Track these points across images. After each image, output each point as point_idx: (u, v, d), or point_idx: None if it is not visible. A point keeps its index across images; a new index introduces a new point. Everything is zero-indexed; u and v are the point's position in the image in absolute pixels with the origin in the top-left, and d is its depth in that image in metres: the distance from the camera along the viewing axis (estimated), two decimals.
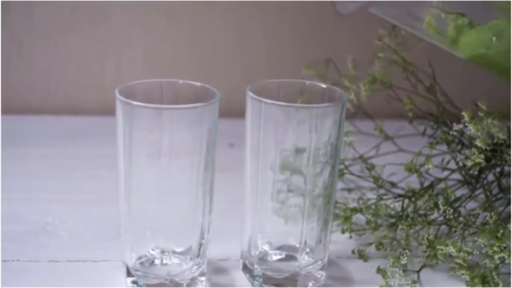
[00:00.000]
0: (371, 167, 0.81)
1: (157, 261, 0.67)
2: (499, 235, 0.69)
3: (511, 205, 0.76)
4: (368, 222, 0.76)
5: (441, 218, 0.74)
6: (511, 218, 0.72)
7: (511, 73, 0.67)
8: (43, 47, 1.05)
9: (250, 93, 0.67)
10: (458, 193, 0.78)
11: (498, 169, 0.78)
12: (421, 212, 0.76)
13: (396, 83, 0.82)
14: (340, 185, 0.84)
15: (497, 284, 0.68)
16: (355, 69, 0.83)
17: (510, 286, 0.69)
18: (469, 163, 0.74)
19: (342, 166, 0.81)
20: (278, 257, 0.70)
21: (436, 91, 0.81)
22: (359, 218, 0.77)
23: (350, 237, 0.77)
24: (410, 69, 0.82)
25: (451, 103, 0.82)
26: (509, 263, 0.69)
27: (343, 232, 0.77)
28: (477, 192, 0.78)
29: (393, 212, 0.77)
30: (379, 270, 0.70)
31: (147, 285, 0.66)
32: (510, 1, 0.63)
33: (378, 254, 0.74)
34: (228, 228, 0.74)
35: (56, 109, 1.06)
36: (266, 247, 0.70)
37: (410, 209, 0.77)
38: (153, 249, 0.67)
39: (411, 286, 0.69)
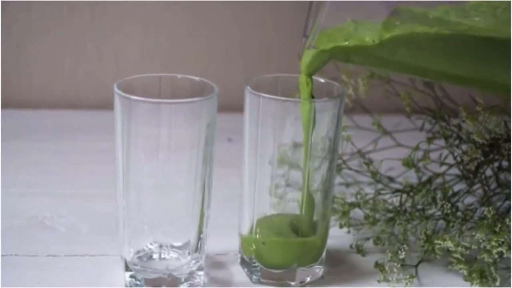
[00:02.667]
0: (369, 162, 0.81)
1: (155, 256, 0.67)
2: (497, 229, 0.69)
3: (511, 200, 0.76)
4: (366, 217, 0.76)
5: (439, 213, 0.74)
6: (509, 213, 0.72)
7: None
8: (41, 41, 1.05)
9: (248, 88, 0.67)
10: (456, 188, 0.78)
11: (496, 164, 0.78)
12: (419, 207, 0.76)
13: (394, 78, 0.82)
14: (338, 179, 0.84)
15: (495, 279, 0.68)
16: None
17: (508, 280, 0.69)
18: (467, 158, 0.74)
19: (340, 161, 0.81)
20: None
21: (434, 86, 0.81)
22: (357, 212, 0.78)
23: (348, 231, 0.77)
24: None
25: (449, 98, 0.82)
26: (507, 258, 0.69)
27: (341, 226, 0.77)
28: (475, 187, 0.78)
29: (391, 207, 0.77)
30: (377, 265, 0.70)
31: (145, 279, 0.66)
32: (509, 1, 0.63)
33: (376, 249, 0.74)
34: (226, 223, 0.74)
35: (54, 104, 1.06)
36: None
37: (408, 204, 0.77)
38: (151, 244, 0.67)
39: (409, 281, 0.69)
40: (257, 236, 0.68)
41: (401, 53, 0.66)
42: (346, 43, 0.65)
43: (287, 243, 0.68)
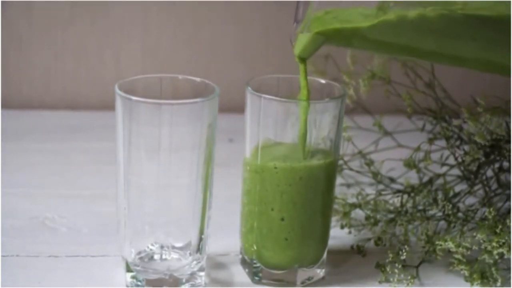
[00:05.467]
0: (370, 163, 0.81)
1: (156, 256, 0.67)
2: (498, 230, 0.69)
3: (511, 201, 0.76)
4: (367, 217, 0.76)
5: (440, 214, 0.74)
6: (510, 214, 0.72)
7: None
8: (43, 42, 1.05)
9: (249, 89, 0.67)
10: (457, 188, 0.78)
11: (497, 165, 0.78)
12: (420, 207, 0.76)
13: (395, 79, 0.82)
14: (339, 180, 0.84)
15: (495, 280, 0.68)
16: (354, 65, 0.83)
17: (509, 281, 0.69)
18: (468, 159, 0.74)
19: (341, 162, 0.82)
20: None
21: (435, 87, 0.81)
22: (358, 213, 0.78)
23: (349, 232, 0.77)
24: (409, 64, 0.82)
25: (450, 99, 0.82)
26: (508, 259, 0.69)
27: (342, 227, 0.77)
28: (476, 187, 0.78)
29: (392, 208, 0.77)
30: (378, 265, 0.71)
31: (147, 280, 0.66)
32: (510, 1, 0.63)
33: (377, 250, 0.74)
34: (227, 223, 0.74)
35: (55, 104, 1.06)
36: None
37: (409, 205, 0.77)
38: (152, 244, 0.67)
39: (410, 281, 0.69)
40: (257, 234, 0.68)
41: (395, 35, 0.65)
42: (341, 26, 0.64)
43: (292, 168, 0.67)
